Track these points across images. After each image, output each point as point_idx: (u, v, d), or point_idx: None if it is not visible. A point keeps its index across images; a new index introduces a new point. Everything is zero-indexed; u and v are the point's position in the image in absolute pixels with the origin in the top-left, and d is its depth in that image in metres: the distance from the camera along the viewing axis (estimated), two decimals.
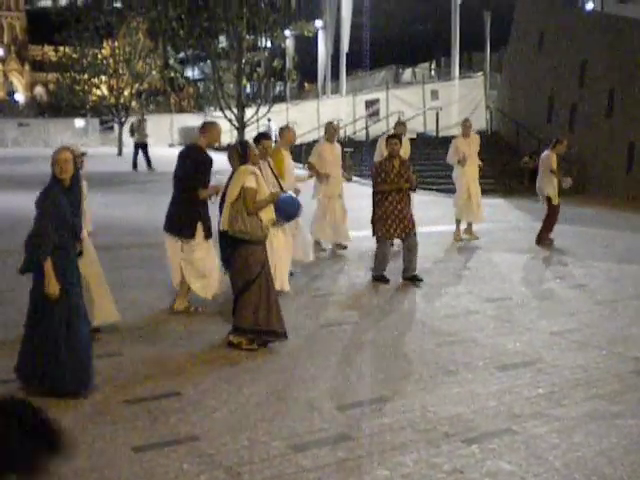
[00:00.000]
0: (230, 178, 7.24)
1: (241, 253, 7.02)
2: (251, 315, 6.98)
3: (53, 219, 5.69)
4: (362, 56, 34.05)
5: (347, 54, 37.86)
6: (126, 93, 41.23)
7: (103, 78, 41.51)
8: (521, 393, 5.91)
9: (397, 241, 10.67)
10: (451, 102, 28.14)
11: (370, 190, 10.31)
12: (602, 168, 21.50)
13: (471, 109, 26.34)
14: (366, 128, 29.89)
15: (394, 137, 10.38)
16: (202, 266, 8.21)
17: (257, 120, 27.13)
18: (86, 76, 41.12)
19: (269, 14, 27.05)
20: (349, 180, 12.82)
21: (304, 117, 33.52)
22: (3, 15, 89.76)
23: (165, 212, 8.34)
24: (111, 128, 49.50)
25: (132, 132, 31.23)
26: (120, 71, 40.76)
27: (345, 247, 12.34)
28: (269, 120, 31.06)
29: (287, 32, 32.01)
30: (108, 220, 14.53)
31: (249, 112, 27.67)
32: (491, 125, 26.94)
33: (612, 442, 5.00)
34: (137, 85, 41.74)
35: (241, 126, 27.32)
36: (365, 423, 5.27)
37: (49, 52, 67.53)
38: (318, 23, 39.75)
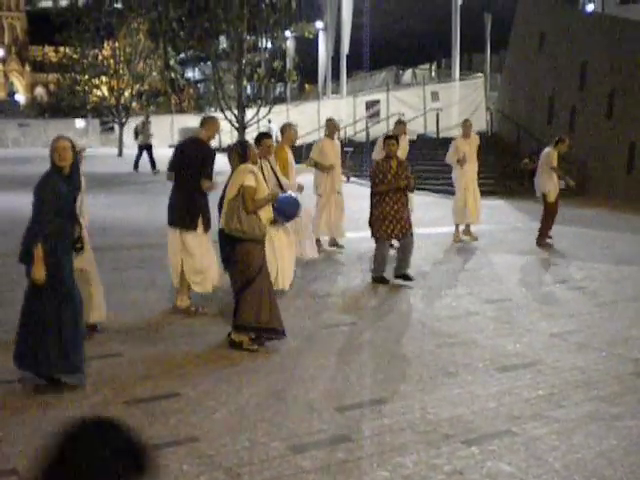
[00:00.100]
0: (230, 177, 7.25)
1: (240, 252, 7.03)
2: (252, 313, 6.99)
3: (52, 206, 5.72)
4: (362, 57, 34.03)
5: (347, 55, 37.84)
6: (126, 94, 41.25)
7: (103, 79, 41.53)
8: (521, 394, 5.91)
9: (396, 242, 10.69)
10: (451, 103, 28.13)
11: (368, 190, 10.32)
12: (602, 169, 21.50)
13: (471, 110, 26.33)
14: (366, 129, 29.87)
15: (391, 138, 10.40)
16: (200, 260, 8.25)
17: (257, 121, 27.15)
18: (86, 77, 41.15)
19: (270, 15, 27.06)
20: (347, 177, 12.85)
21: (304, 118, 33.51)
22: (4, 15, 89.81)
23: (167, 208, 8.37)
24: (111, 129, 49.55)
25: (136, 134, 31.24)
26: (120, 72, 40.78)
27: (342, 247, 12.34)
28: (269, 121, 31.06)
29: (287, 33, 32.02)
30: (109, 221, 14.54)
31: (249, 113, 27.69)
32: (491, 126, 26.93)
33: (612, 443, 5.00)
34: (137, 86, 41.76)
35: (241, 127, 27.34)
36: (365, 424, 5.27)
37: (49, 53, 67.56)
38: (319, 24, 39.74)
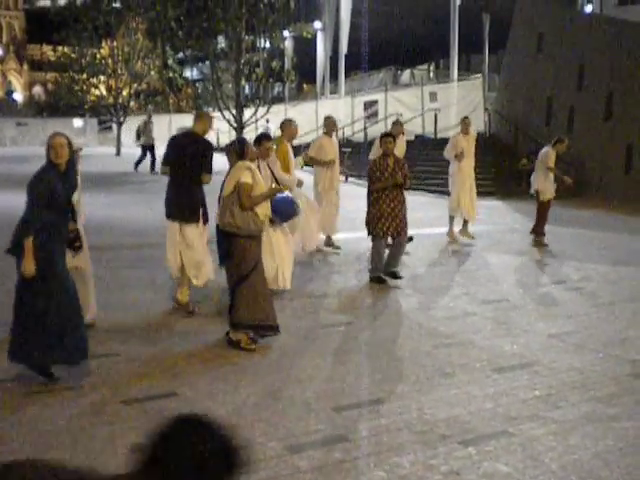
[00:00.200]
0: (227, 174, 7.27)
1: (235, 247, 7.05)
2: (247, 310, 7.01)
3: (45, 202, 5.73)
4: (361, 57, 34.07)
5: (346, 55, 37.88)
6: (125, 93, 41.21)
7: (102, 78, 41.47)
8: (518, 395, 5.92)
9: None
10: (449, 104, 28.12)
11: (363, 190, 10.34)
12: (600, 170, 21.53)
13: (469, 111, 26.26)
14: (364, 129, 29.90)
15: (388, 135, 10.41)
16: (199, 252, 8.29)
17: (256, 121, 27.13)
18: (85, 76, 41.09)
19: (268, 15, 27.05)
20: (346, 177, 12.86)
21: (303, 118, 33.42)
22: (2, 14, 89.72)
23: (164, 201, 8.38)
24: (109, 128, 49.49)
25: (138, 135, 31.22)
26: (119, 71, 40.74)
27: (338, 248, 12.32)
28: (267, 121, 31.05)
29: (286, 33, 32.01)
30: (107, 220, 14.53)
31: (248, 113, 27.68)
32: (489, 127, 26.94)
33: (608, 445, 5.01)
34: (136, 85, 41.72)
35: (239, 127, 27.32)
36: (362, 424, 5.27)
37: (48, 52, 67.60)
38: (317, 24, 39.76)
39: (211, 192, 8.22)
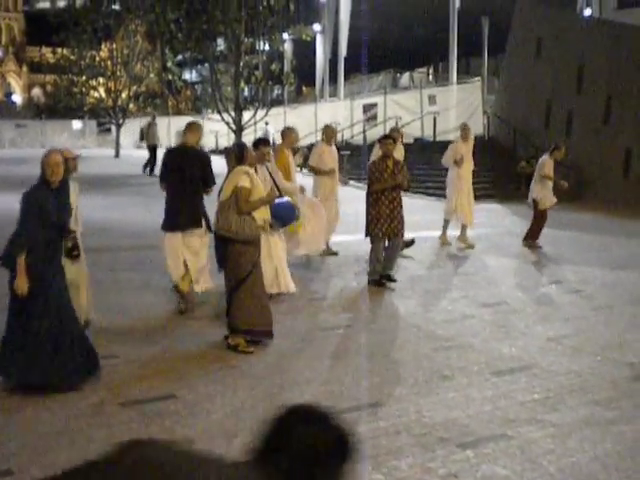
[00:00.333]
0: (225, 178, 7.28)
1: (232, 252, 7.06)
2: (245, 315, 7.03)
3: (37, 218, 5.72)
4: (360, 60, 34.05)
5: (345, 58, 37.85)
6: (124, 95, 41.18)
7: (101, 80, 41.45)
8: (516, 398, 5.92)
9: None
10: (449, 107, 28.10)
11: (363, 193, 10.34)
12: (599, 174, 21.54)
13: (468, 114, 26.33)
14: (363, 132, 29.88)
15: (388, 137, 10.42)
16: (202, 260, 8.34)
17: (255, 123, 27.12)
18: (84, 78, 41.07)
19: (267, 17, 27.03)
20: (345, 183, 12.84)
21: (302, 121, 33.46)
22: (1, 16, 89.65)
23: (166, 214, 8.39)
24: (108, 130, 49.44)
25: (142, 136, 31.14)
26: (118, 73, 40.71)
27: (335, 254, 12.30)
28: (266, 123, 31.03)
29: (285, 36, 31.95)
30: (106, 222, 14.52)
31: (247, 115, 27.66)
32: (488, 130, 26.95)
33: (606, 448, 5.01)
34: (135, 87, 41.70)
35: (238, 129, 27.31)
36: (360, 427, 5.26)
37: (47, 54, 67.55)
38: (316, 27, 39.76)
39: (210, 199, 8.26)
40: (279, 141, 11.43)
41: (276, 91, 35.84)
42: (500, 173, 22.87)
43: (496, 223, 16.61)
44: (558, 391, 6.10)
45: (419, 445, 4.99)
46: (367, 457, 4.80)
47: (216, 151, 31.67)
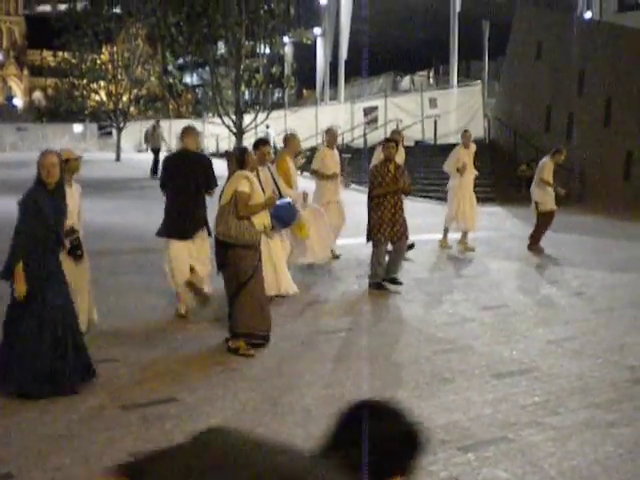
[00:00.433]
0: (226, 183, 7.29)
1: (231, 257, 7.07)
2: (246, 319, 7.04)
3: (34, 221, 5.72)
4: (360, 63, 34.06)
5: (345, 61, 37.86)
6: (125, 99, 41.21)
7: (102, 83, 41.46)
8: (517, 401, 5.92)
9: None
10: (449, 110, 28.12)
11: (363, 197, 10.33)
12: (600, 176, 21.54)
13: (469, 117, 26.35)
14: (364, 135, 29.90)
15: (391, 141, 10.43)
16: (207, 264, 8.36)
17: (255, 127, 27.14)
18: (85, 81, 41.09)
19: (268, 21, 27.06)
20: (347, 186, 12.84)
21: (302, 124, 33.50)
22: (2, 20, 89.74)
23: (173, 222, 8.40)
24: (109, 133, 49.46)
25: (146, 139, 31.13)
26: (119, 77, 40.74)
27: (338, 257, 12.31)
28: (267, 127, 31.05)
29: (286, 39, 32.01)
30: (107, 226, 14.54)
31: (247, 118, 27.68)
32: (489, 133, 26.95)
33: (607, 451, 5.01)
34: (136, 91, 41.73)
35: (239, 132, 27.32)
36: None
37: (48, 57, 67.65)
38: (317, 30, 39.79)
39: (212, 201, 8.26)
40: (280, 144, 11.43)
41: (277, 94, 35.86)
42: (501, 176, 22.87)
43: (497, 226, 16.60)
44: (559, 394, 6.10)
45: None
46: None
47: (217, 154, 31.69)
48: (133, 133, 46.08)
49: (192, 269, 8.34)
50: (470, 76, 37.82)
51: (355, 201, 14.44)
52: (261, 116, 27.51)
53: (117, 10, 40.19)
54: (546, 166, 13.30)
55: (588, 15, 31.28)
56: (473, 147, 13.89)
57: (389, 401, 2.06)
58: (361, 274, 10.83)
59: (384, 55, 36.65)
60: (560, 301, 9.62)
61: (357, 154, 26.61)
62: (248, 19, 26.69)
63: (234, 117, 27.40)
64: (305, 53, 39.51)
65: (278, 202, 7.90)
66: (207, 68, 30.16)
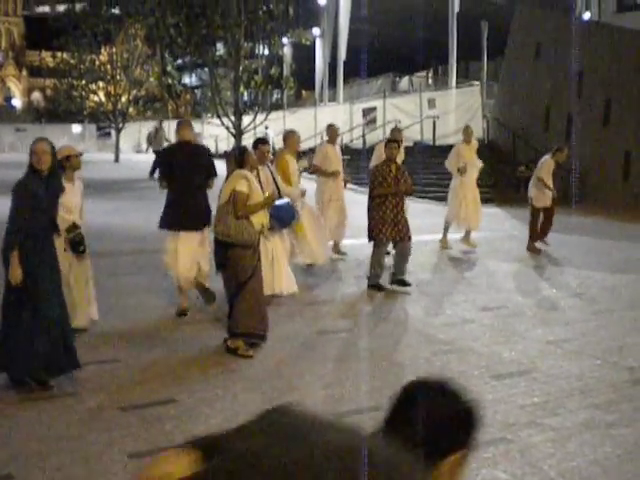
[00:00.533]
0: (224, 182, 7.30)
1: (231, 256, 7.07)
2: (245, 319, 7.03)
3: (28, 207, 5.74)
4: (359, 64, 34.06)
5: (344, 62, 37.86)
6: (123, 99, 41.22)
7: (100, 84, 41.47)
8: (516, 402, 5.92)
9: (392, 248, 10.74)
10: (448, 111, 28.13)
11: (366, 197, 10.32)
12: (599, 177, 21.55)
13: (468, 118, 26.32)
14: (363, 136, 29.92)
15: (394, 141, 10.45)
16: (206, 259, 8.37)
17: (254, 127, 27.13)
18: (83, 82, 41.11)
19: (267, 22, 27.06)
20: (347, 182, 12.84)
21: (301, 125, 33.47)
22: (1, 20, 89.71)
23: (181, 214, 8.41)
24: (108, 134, 49.47)
25: (149, 141, 31.13)
26: (118, 77, 40.76)
27: (344, 254, 12.34)
28: (266, 128, 31.05)
29: (285, 40, 32.00)
30: (107, 226, 14.54)
31: (246, 119, 27.68)
32: (488, 134, 26.97)
33: (607, 451, 5.01)
34: (134, 91, 41.75)
35: (238, 133, 27.32)
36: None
37: (47, 58, 67.58)
38: (316, 31, 39.79)
39: (212, 196, 8.27)
40: (279, 145, 11.44)
41: (275, 95, 35.85)
42: (499, 177, 22.87)
43: (496, 227, 16.60)
44: (558, 395, 6.11)
45: None
46: None
47: (215, 155, 31.68)
48: (132, 134, 46.10)
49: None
50: (469, 77, 37.84)
51: (354, 201, 14.44)
52: (260, 117, 27.52)
53: (116, 11, 40.19)
54: (545, 165, 13.29)
55: (587, 16, 31.30)
56: (475, 143, 13.91)
57: (444, 379, 2.09)
58: (361, 275, 10.82)
59: (383, 56, 36.65)
60: (559, 302, 9.62)
61: (356, 155, 26.63)
62: (247, 20, 26.70)
63: (233, 118, 27.41)
64: (304, 54, 39.52)
65: (277, 202, 7.90)
66: (206, 69, 30.21)
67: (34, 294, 5.81)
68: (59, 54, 42.97)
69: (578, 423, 5.49)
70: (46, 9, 78.90)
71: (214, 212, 7.47)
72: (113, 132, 42.97)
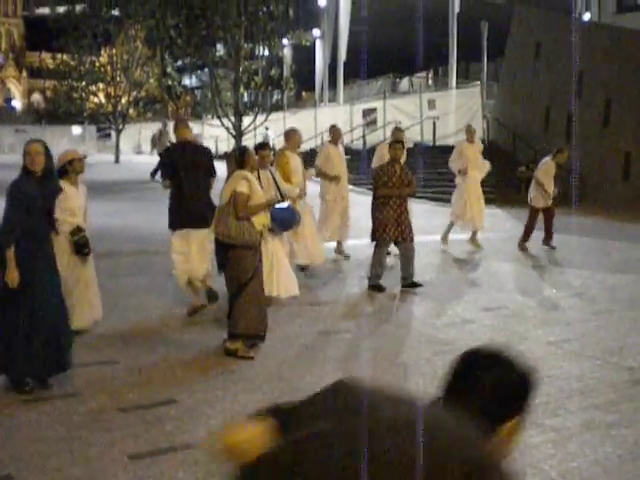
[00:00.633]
0: (225, 183, 7.29)
1: (231, 257, 7.06)
2: (246, 320, 7.02)
3: (22, 209, 5.73)
4: (359, 65, 34.06)
5: (344, 63, 37.88)
6: (123, 101, 41.27)
7: (100, 85, 41.53)
8: None
9: (393, 249, 10.73)
10: (448, 112, 28.13)
11: (366, 198, 10.33)
12: (599, 177, 21.55)
13: (468, 119, 26.30)
14: (363, 137, 29.92)
15: (398, 142, 10.48)
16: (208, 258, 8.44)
17: (254, 128, 27.15)
18: (83, 83, 41.16)
19: (267, 23, 27.09)
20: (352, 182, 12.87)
21: (301, 125, 33.41)
22: (1, 22, 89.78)
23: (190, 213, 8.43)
24: (108, 135, 49.51)
25: (154, 144, 31.16)
26: (118, 79, 40.81)
27: (348, 256, 12.33)
28: (267, 128, 31.08)
29: (285, 41, 32.03)
30: (107, 228, 14.53)
31: (246, 120, 27.70)
32: (488, 135, 26.97)
33: (607, 452, 5.01)
34: (135, 93, 41.80)
35: (238, 134, 27.34)
36: None
37: (47, 59, 67.57)
38: (316, 32, 39.80)
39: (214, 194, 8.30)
40: (279, 146, 11.45)
41: (276, 96, 35.84)
42: (500, 177, 22.86)
43: (497, 227, 16.59)
44: (558, 395, 6.10)
45: None
46: None
47: (215, 156, 31.69)
48: (132, 135, 46.12)
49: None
50: (469, 77, 37.86)
51: (354, 202, 14.44)
52: (260, 118, 27.54)
53: (116, 12, 40.22)
54: (544, 167, 13.31)
55: (587, 16, 31.32)
56: (479, 143, 13.92)
57: (499, 347, 2.13)
58: (361, 275, 10.82)
59: (383, 57, 36.65)
60: (560, 302, 9.62)
61: (356, 155, 26.63)
62: (247, 21, 26.73)
63: (233, 119, 27.44)
64: (304, 55, 39.53)
65: (278, 205, 7.89)
66: (206, 70, 30.21)
67: (31, 295, 5.81)
68: (59, 55, 43.01)
69: (579, 424, 5.49)
70: (46, 10, 78.81)
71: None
72: (113, 133, 43.01)
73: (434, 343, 7.64)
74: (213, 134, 36.52)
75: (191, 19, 27.06)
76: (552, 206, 13.39)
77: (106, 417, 5.51)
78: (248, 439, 2.04)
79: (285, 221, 8.35)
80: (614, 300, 9.73)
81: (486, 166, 13.95)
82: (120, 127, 40.68)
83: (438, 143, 25.99)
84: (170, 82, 33.19)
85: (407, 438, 1.82)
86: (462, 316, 8.77)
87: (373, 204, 10.04)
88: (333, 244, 12.44)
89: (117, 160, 39.24)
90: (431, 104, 29.02)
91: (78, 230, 7.26)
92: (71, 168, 7.31)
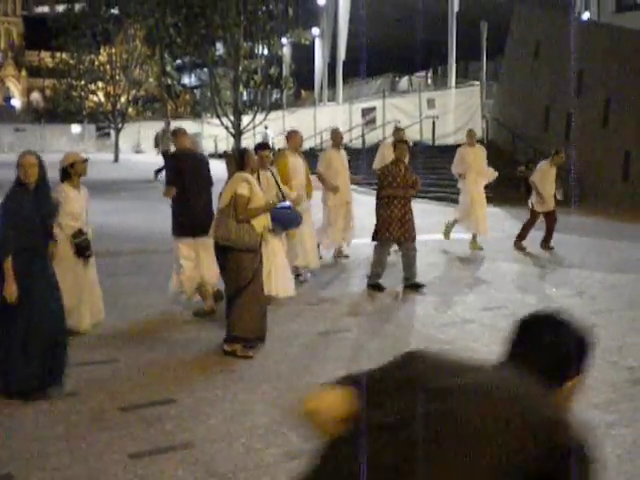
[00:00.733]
0: (225, 184, 7.27)
1: (231, 260, 7.05)
2: (244, 323, 7.01)
3: (15, 222, 5.71)
4: (359, 64, 34.07)
5: (344, 62, 37.87)
6: (123, 99, 41.28)
7: (100, 84, 41.53)
8: None
9: (393, 249, 10.73)
10: (447, 111, 28.14)
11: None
12: (598, 177, 21.55)
13: (467, 118, 26.37)
14: (362, 136, 29.92)
15: (403, 142, 10.49)
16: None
17: (254, 127, 27.16)
18: (83, 82, 41.16)
19: (266, 22, 27.11)
20: (359, 184, 12.83)
21: (301, 125, 33.45)
22: (0, 20, 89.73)
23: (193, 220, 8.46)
24: (107, 134, 49.51)
25: (157, 143, 31.16)
26: (117, 78, 40.81)
27: (347, 257, 12.33)
28: (266, 127, 31.07)
29: (284, 40, 32.04)
30: (107, 227, 14.52)
31: (246, 119, 27.70)
32: (487, 134, 26.96)
33: (606, 451, 5.00)
34: (134, 92, 41.80)
35: (237, 133, 27.35)
36: None
37: (46, 58, 67.59)
38: (315, 31, 39.80)
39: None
40: (278, 145, 11.45)
41: (275, 95, 35.87)
42: (499, 177, 22.83)
43: (496, 227, 16.57)
44: None
45: None
46: None
47: (215, 155, 31.69)
48: (131, 134, 46.10)
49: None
50: (468, 77, 37.86)
51: (355, 202, 14.45)
52: (259, 117, 27.55)
53: (115, 11, 40.22)
54: (540, 171, 13.31)
55: (586, 15, 31.31)
56: (481, 149, 13.88)
57: (557, 311, 2.22)
58: (361, 275, 10.82)
59: (382, 56, 36.68)
60: (560, 302, 9.61)
61: (355, 155, 26.64)
62: (246, 20, 26.75)
63: (232, 118, 27.45)
64: (303, 54, 39.54)
65: (279, 205, 7.88)
66: (205, 69, 30.24)
67: (27, 305, 5.78)
68: (58, 54, 43.03)
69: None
70: (45, 9, 78.98)
71: None
72: (112, 132, 43.00)
73: (433, 342, 7.64)
74: (212, 133, 36.53)
75: (190, 18, 27.07)
76: (554, 210, 13.36)
77: (106, 416, 5.52)
78: (330, 406, 2.23)
79: (286, 221, 8.35)
80: (614, 299, 9.73)
81: (492, 174, 13.92)
82: (119, 126, 40.69)
83: (437, 142, 26.00)
84: (169, 81, 33.27)
85: (490, 402, 1.91)
86: (462, 316, 8.77)
87: (377, 204, 10.04)
88: (337, 245, 12.44)
89: (116, 159, 39.23)
90: (430, 103, 29.03)
91: (80, 233, 7.26)
92: (73, 171, 7.32)
